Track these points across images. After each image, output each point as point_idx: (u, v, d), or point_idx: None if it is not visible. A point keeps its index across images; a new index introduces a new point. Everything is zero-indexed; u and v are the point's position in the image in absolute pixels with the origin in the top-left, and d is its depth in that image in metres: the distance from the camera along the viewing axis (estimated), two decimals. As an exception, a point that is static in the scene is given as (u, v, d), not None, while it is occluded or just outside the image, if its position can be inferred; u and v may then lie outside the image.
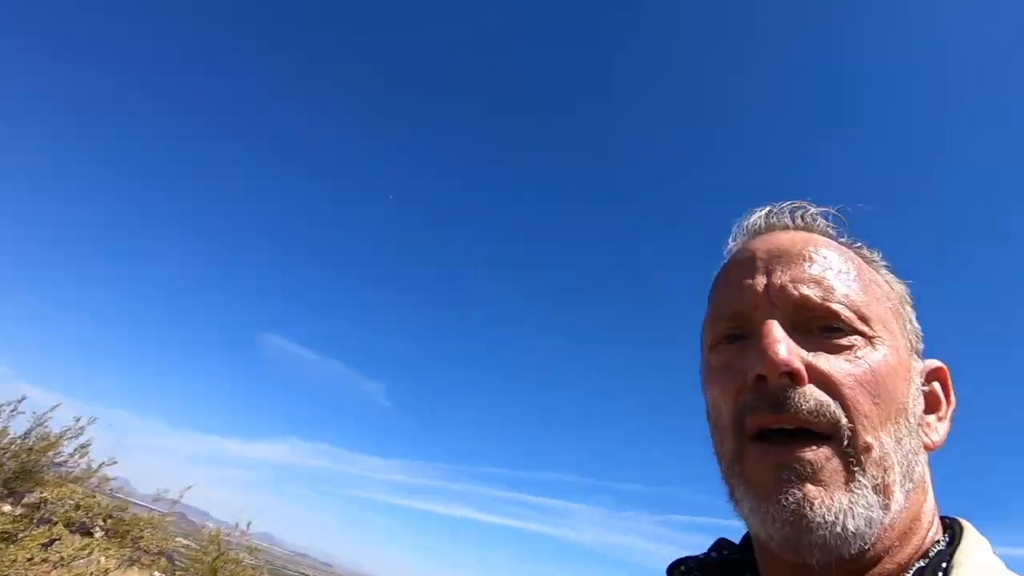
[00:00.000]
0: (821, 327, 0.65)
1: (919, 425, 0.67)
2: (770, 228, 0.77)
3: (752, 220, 0.79)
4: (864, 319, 0.66)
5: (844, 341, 0.64)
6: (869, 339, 0.65)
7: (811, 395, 0.63)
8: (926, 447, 0.67)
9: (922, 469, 0.66)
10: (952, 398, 0.72)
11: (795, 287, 0.67)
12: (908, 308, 0.74)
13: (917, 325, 0.74)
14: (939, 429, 0.70)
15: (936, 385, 0.72)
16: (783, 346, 0.63)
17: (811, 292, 0.66)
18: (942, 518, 0.69)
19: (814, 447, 0.62)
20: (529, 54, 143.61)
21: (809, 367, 0.63)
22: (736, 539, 0.79)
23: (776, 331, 0.64)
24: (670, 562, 0.79)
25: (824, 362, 0.64)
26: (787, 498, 0.61)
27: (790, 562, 0.65)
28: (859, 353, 0.64)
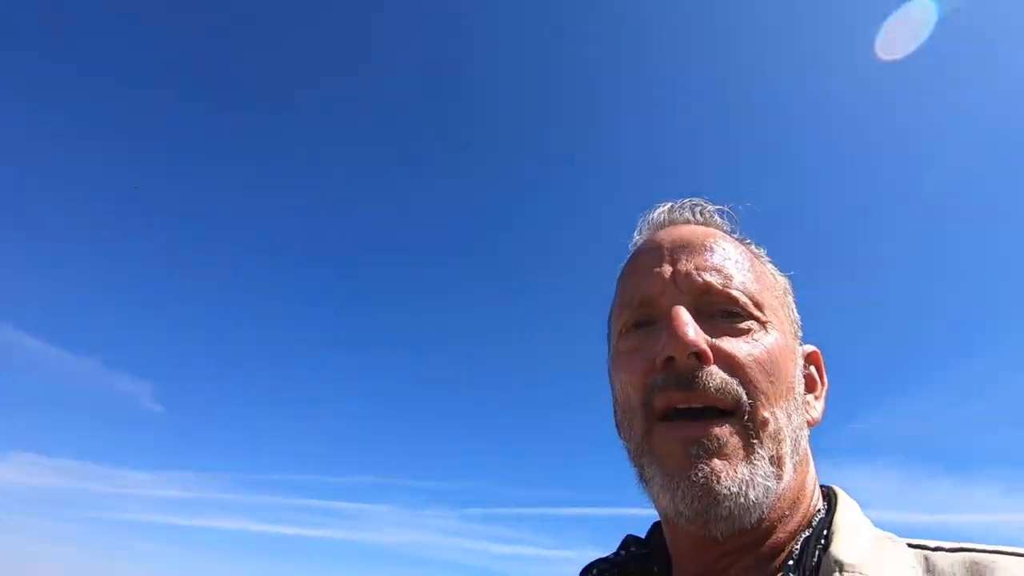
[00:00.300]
0: (721, 312, 0.71)
1: (803, 403, 0.74)
2: (673, 221, 0.83)
3: (656, 214, 0.85)
4: (758, 305, 0.72)
5: (742, 325, 0.70)
6: (763, 324, 0.72)
7: (716, 374, 0.66)
8: (808, 423, 0.74)
9: (805, 443, 0.72)
10: (825, 379, 0.81)
11: (699, 274, 0.72)
12: (790, 298, 0.81)
13: (797, 314, 0.81)
14: (817, 407, 0.77)
15: (812, 368, 0.80)
16: (691, 328, 0.67)
17: (713, 279, 0.72)
18: (821, 487, 0.76)
19: (719, 423, 0.65)
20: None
21: (714, 348, 0.68)
22: (620, 535, 0.85)
23: (684, 315, 0.68)
24: (583, 567, 0.82)
25: (726, 343, 0.69)
26: (696, 472, 0.63)
27: (696, 537, 0.68)
28: (755, 336, 0.70)
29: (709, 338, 0.68)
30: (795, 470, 0.69)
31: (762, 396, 0.67)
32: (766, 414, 0.66)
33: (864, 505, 0.74)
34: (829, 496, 0.75)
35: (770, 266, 0.82)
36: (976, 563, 0.60)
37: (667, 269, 0.74)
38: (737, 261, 0.76)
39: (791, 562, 0.64)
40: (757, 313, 0.72)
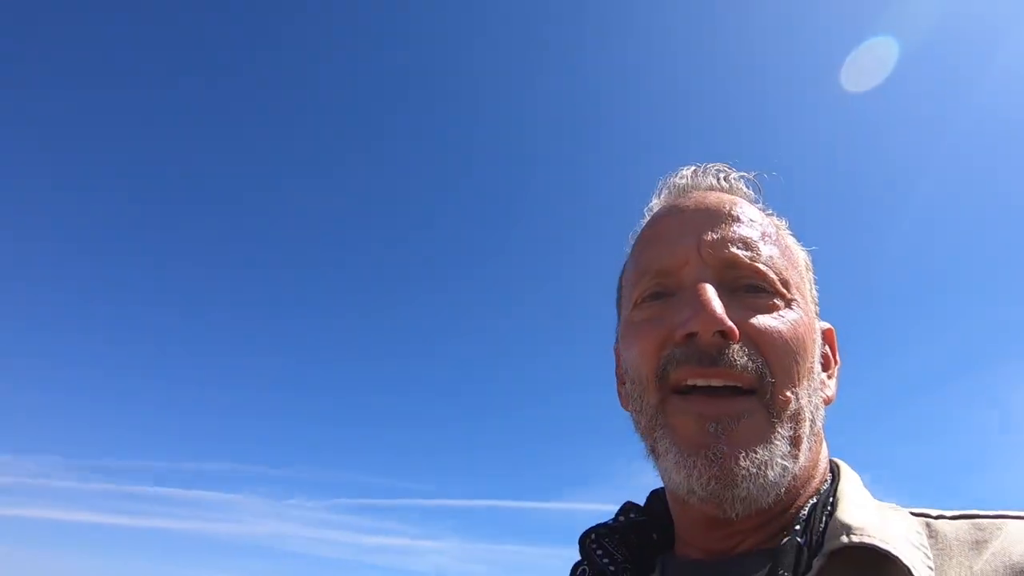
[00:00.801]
0: (746, 286, 0.68)
1: (820, 382, 0.72)
2: (696, 187, 0.79)
3: (678, 177, 0.80)
4: (784, 281, 0.69)
5: (768, 301, 0.67)
6: (788, 301, 0.69)
7: (741, 352, 0.64)
8: (824, 401, 0.72)
9: (821, 422, 0.71)
10: (839, 358, 0.79)
11: (726, 246, 0.69)
12: (811, 274, 0.78)
13: (815, 291, 0.79)
14: (831, 385, 0.76)
15: (827, 347, 0.78)
16: (718, 304, 0.64)
17: (740, 252, 0.68)
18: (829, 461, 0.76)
19: (740, 401, 0.63)
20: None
21: (739, 324, 0.64)
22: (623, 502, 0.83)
23: (710, 290, 0.65)
24: (581, 533, 0.79)
25: (752, 320, 0.66)
26: (715, 452, 0.61)
27: (707, 516, 0.66)
28: (781, 313, 0.67)
29: (732, 311, 0.65)
30: (811, 449, 0.68)
31: (785, 376, 0.65)
32: (788, 394, 0.65)
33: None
34: (833, 469, 0.74)
35: (792, 239, 0.79)
36: (980, 528, 0.59)
37: (691, 239, 0.70)
38: (765, 233, 0.72)
39: (797, 527, 0.63)
40: (783, 289, 0.69)
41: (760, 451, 0.62)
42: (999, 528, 0.59)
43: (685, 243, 0.70)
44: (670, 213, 0.76)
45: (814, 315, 0.74)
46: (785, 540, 0.61)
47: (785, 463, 0.63)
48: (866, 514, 0.62)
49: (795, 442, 0.65)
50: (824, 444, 0.74)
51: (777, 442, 0.63)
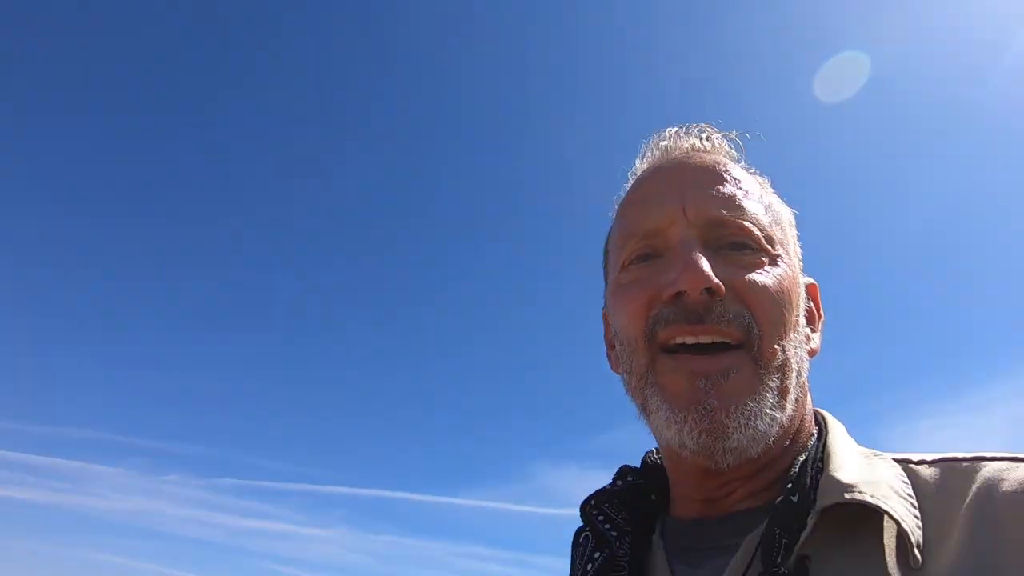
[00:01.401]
0: (732, 243, 0.69)
1: (805, 335, 0.73)
2: (679, 148, 0.79)
3: (661, 139, 0.81)
4: (769, 238, 0.71)
5: (753, 258, 0.69)
6: (773, 257, 0.70)
7: (727, 307, 0.65)
8: (809, 353, 0.74)
9: (806, 374, 0.73)
10: (823, 312, 0.81)
11: (711, 205, 0.70)
12: (794, 231, 0.80)
13: (799, 247, 0.80)
14: (815, 339, 0.77)
15: (811, 302, 0.79)
16: (705, 262, 0.65)
17: (725, 211, 0.69)
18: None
19: (728, 356, 0.65)
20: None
21: (725, 281, 0.66)
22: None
23: (694, 248, 0.67)
24: (582, 500, 0.80)
25: (738, 276, 0.67)
26: (705, 406, 0.63)
27: (700, 468, 0.68)
28: (766, 269, 0.69)
29: (719, 269, 0.66)
30: (797, 400, 0.69)
31: (771, 329, 0.66)
32: (775, 346, 0.66)
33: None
34: (819, 420, 0.76)
35: (776, 197, 0.80)
36: (959, 470, 0.62)
37: (676, 199, 0.71)
38: (749, 191, 0.73)
39: (789, 484, 0.64)
40: (767, 246, 0.70)
41: (749, 403, 0.63)
42: (976, 470, 0.61)
43: (670, 204, 0.71)
44: (654, 175, 0.77)
45: (799, 270, 0.75)
46: (779, 500, 0.62)
47: (774, 413, 0.65)
48: (855, 468, 0.64)
49: (782, 393, 0.67)
50: (809, 395, 0.75)
51: (765, 393, 0.65)
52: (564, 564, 0.80)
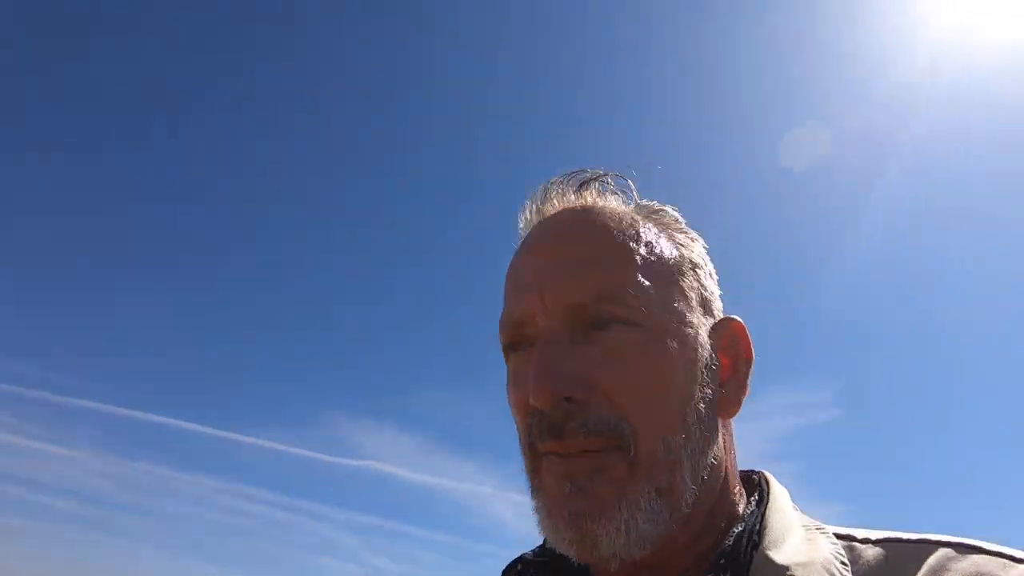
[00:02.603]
0: (595, 322, 0.63)
1: (714, 397, 0.67)
2: (550, 207, 0.75)
3: (536, 199, 0.76)
4: (646, 303, 0.63)
5: (620, 338, 0.62)
6: (650, 329, 0.63)
7: (589, 414, 0.60)
8: (725, 415, 0.68)
9: (717, 447, 0.66)
10: (751, 352, 0.71)
11: (571, 290, 0.64)
12: (701, 272, 0.72)
13: (711, 284, 0.73)
14: (736, 393, 0.69)
15: (731, 344, 0.71)
16: (552, 372, 0.61)
17: (580, 294, 0.63)
18: (746, 474, 0.72)
19: (598, 460, 0.60)
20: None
21: (587, 377, 0.61)
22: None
23: (547, 352, 0.62)
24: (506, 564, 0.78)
25: (600, 371, 0.61)
26: (571, 514, 0.60)
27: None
28: (635, 352, 0.62)
29: (578, 369, 0.61)
30: (703, 485, 0.64)
31: (648, 426, 0.61)
32: (653, 445, 0.61)
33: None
34: (760, 485, 0.71)
35: (665, 241, 0.71)
36: (901, 553, 0.61)
37: (535, 285, 0.66)
38: (620, 248, 0.67)
39: (722, 560, 0.61)
40: (639, 318, 0.63)
41: (622, 509, 0.59)
42: (920, 556, 0.60)
43: (531, 292, 0.66)
44: (521, 252, 0.73)
45: (693, 328, 0.67)
46: None
47: (655, 517, 0.60)
48: (792, 547, 0.62)
49: (670, 491, 0.61)
50: (731, 462, 0.69)
51: (642, 497, 0.60)
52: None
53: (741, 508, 0.68)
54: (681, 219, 0.75)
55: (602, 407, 0.60)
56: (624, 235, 0.68)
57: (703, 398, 0.65)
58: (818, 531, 0.65)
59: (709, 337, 0.68)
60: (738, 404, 0.69)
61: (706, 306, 0.70)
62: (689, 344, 0.65)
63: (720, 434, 0.67)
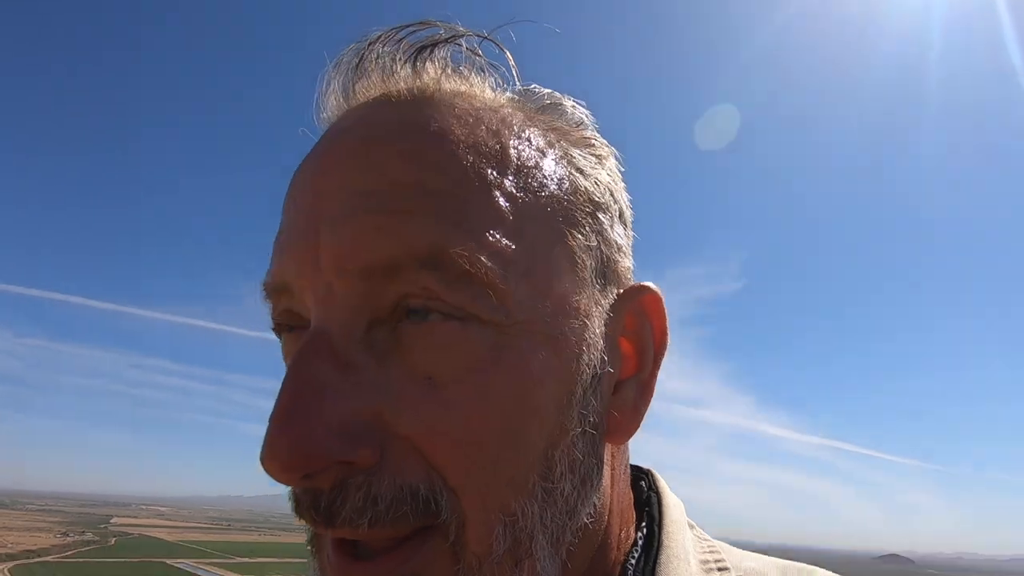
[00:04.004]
0: (402, 311, 0.37)
1: (601, 420, 0.42)
2: (364, 87, 0.44)
3: (341, 71, 0.45)
4: (492, 282, 0.36)
5: (445, 342, 0.36)
6: (500, 327, 0.37)
7: (383, 484, 0.35)
8: (617, 440, 0.44)
9: (607, 476, 0.44)
10: (666, 336, 0.45)
11: (360, 240, 0.36)
12: (604, 215, 0.44)
13: (620, 233, 0.45)
14: (637, 401, 0.44)
15: (639, 326, 0.44)
16: (308, 419, 0.34)
17: (389, 247, 0.36)
18: (641, 485, 0.53)
19: (401, 559, 0.36)
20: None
21: (370, 432, 0.35)
22: None
23: (305, 375, 0.35)
24: None
25: (406, 408, 0.36)
26: None
27: None
28: (474, 369, 0.36)
29: (362, 406, 0.35)
30: (577, 541, 0.41)
31: (478, 497, 0.36)
32: (488, 527, 0.36)
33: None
34: (648, 503, 0.51)
35: (553, 164, 0.42)
36: None
37: (310, 231, 0.38)
38: (453, 186, 0.38)
39: None
40: (485, 307, 0.36)
41: None
42: None
43: (301, 243, 0.39)
44: (301, 169, 0.43)
45: (589, 309, 0.41)
46: None
47: None
48: None
49: (520, 570, 0.37)
50: (616, 496, 0.47)
51: None
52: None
53: (625, 552, 0.47)
54: (588, 121, 0.47)
55: (405, 469, 0.35)
56: (482, 148, 0.39)
57: (583, 431, 0.40)
58: (718, 572, 0.49)
59: (606, 321, 0.42)
60: (637, 420, 0.44)
61: (607, 272, 0.43)
62: (570, 349, 0.39)
63: (607, 468, 0.44)
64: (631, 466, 0.54)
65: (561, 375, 0.39)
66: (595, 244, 0.43)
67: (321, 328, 0.37)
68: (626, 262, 0.46)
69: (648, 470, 0.55)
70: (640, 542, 0.48)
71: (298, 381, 0.35)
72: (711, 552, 0.51)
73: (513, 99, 0.45)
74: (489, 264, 0.36)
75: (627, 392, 0.44)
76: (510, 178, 0.40)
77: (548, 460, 0.39)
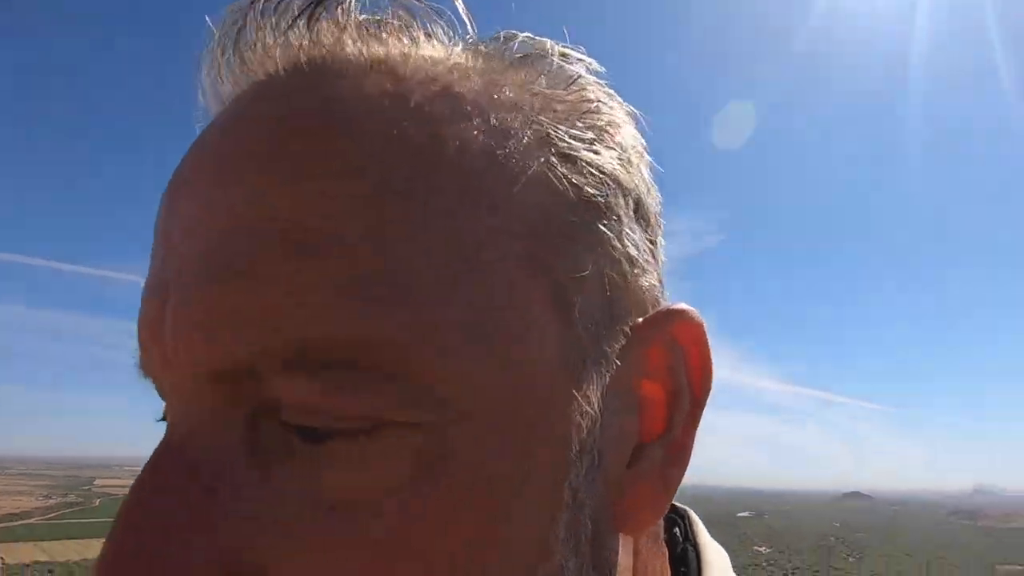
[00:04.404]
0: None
1: (599, 513, 0.28)
2: (247, 67, 0.29)
3: (220, 44, 0.29)
4: (407, 359, 0.23)
5: (352, 455, 0.23)
6: (426, 427, 0.23)
7: None
8: (633, 532, 0.30)
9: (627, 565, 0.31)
10: (706, 377, 0.30)
11: (203, 339, 0.24)
12: (616, 222, 0.29)
13: (636, 241, 0.30)
14: (670, 468, 0.30)
15: (672, 366, 0.30)
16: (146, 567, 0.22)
17: (240, 345, 0.23)
18: (670, 521, 0.40)
19: None
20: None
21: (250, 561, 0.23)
22: None
23: (129, 537, 0.23)
24: None
25: (296, 553, 0.23)
26: None
27: None
28: (391, 495, 0.23)
29: (237, 540, 0.23)
30: None
31: None
32: None
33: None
34: (686, 559, 0.38)
35: (526, 159, 0.27)
36: None
37: (158, 310, 0.26)
38: (363, 215, 0.24)
39: None
40: (405, 399, 0.23)
41: None
42: None
43: (153, 318, 0.26)
44: (167, 193, 0.29)
45: (586, 370, 0.27)
46: None
47: None
48: None
49: None
50: (642, 569, 0.34)
51: None
52: None
53: None
54: (588, 76, 0.31)
55: None
56: (404, 155, 0.25)
57: (576, 546, 0.27)
58: None
59: (613, 373, 0.28)
60: (667, 497, 0.30)
61: (614, 304, 0.29)
62: (550, 434, 0.26)
63: (624, 555, 0.31)
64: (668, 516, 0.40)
65: (537, 478, 0.26)
66: (592, 270, 0.28)
67: (177, 437, 0.25)
68: (647, 278, 0.31)
69: (684, 511, 0.40)
70: None
71: (134, 518, 0.23)
72: None
73: (470, 54, 0.29)
74: (411, 342, 0.23)
75: (650, 460, 0.29)
76: (447, 199, 0.25)
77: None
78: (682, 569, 0.37)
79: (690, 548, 0.38)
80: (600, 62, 0.32)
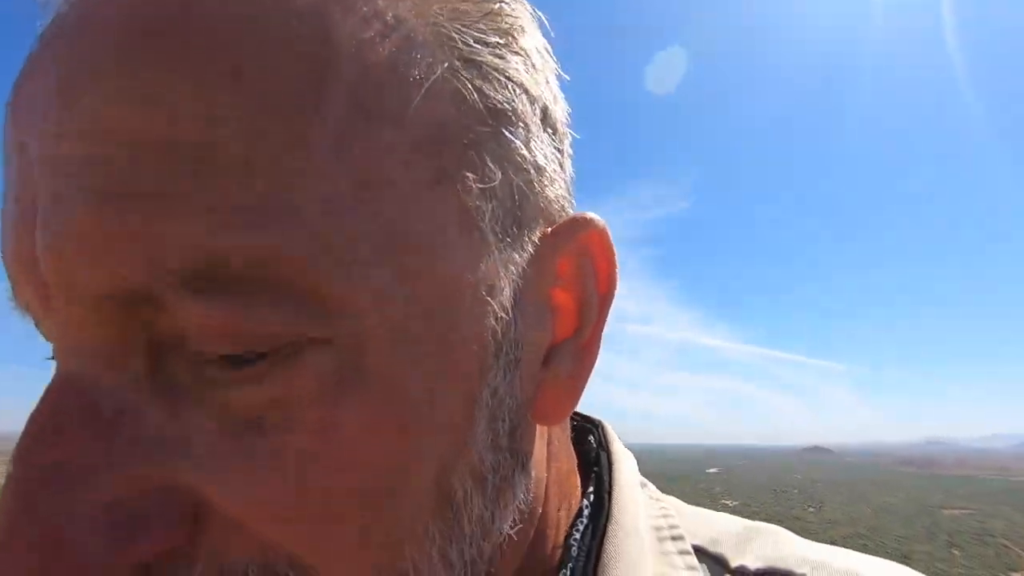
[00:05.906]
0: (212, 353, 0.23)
1: (519, 405, 0.29)
2: None
3: None
4: (307, 275, 0.22)
5: (262, 378, 0.23)
6: (335, 343, 0.23)
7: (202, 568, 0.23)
8: (550, 421, 0.31)
9: (527, 476, 0.32)
10: (609, 284, 0.32)
11: (84, 262, 0.22)
12: (520, 128, 0.28)
13: (544, 145, 0.30)
14: (577, 365, 0.31)
15: (578, 271, 0.31)
16: (41, 541, 0.20)
17: (124, 267, 0.21)
18: (578, 435, 0.43)
19: None
20: None
21: (164, 505, 0.22)
22: None
23: (23, 485, 0.21)
24: None
25: (218, 473, 0.23)
26: None
27: None
28: (306, 411, 0.23)
29: (148, 468, 0.22)
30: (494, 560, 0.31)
31: (346, 569, 0.25)
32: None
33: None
34: (597, 463, 0.41)
35: (424, 64, 0.25)
36: None
37: (27, 233, 0.23)
38: (248, 122, 0.21)
39: None
40: (310, 316, 0.22)
41: None
42: None
43: (20, 243, 0.24)
44: (15, 91, 0.25)
45: (495, 280, 0.27)
46: None
47: None
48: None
49: None
50: (562, 468, 0.38)
51: None
52: None
53: (568, 527, 0.38)
54: None
55: (230, 546, 0.23)
56: (290, 51, 0.23)
57: (494, 440, 0.29)
58: (678, 553, 0.40)
59: (523, 278, 0.29)
60: (574, 396, 0.32)
61: (522, 212, 0.29)
62: (464, 342, 0.27)
63: (539, 447, 0.34)
64: (578, 415, 0.44)
65: (453, 382, 0.26)
66: (499, 179, 0.27)
67: (67, 374, 0.23)
68: (555, 188, 0.31)
69: (598, 422, 0.44)
70: (586, 511, 0.38)
71: (26, 466, 0.21)
72: (664, 517, 0.41)
73: None
74: (314, 258, 0.22)
75: (561, 360, 0.31)
76: (340, 103, 0.23)
77: (444, 491, 0.26)
78: (595, 469, 0.40)
79: (603, 453, 0.41)
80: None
